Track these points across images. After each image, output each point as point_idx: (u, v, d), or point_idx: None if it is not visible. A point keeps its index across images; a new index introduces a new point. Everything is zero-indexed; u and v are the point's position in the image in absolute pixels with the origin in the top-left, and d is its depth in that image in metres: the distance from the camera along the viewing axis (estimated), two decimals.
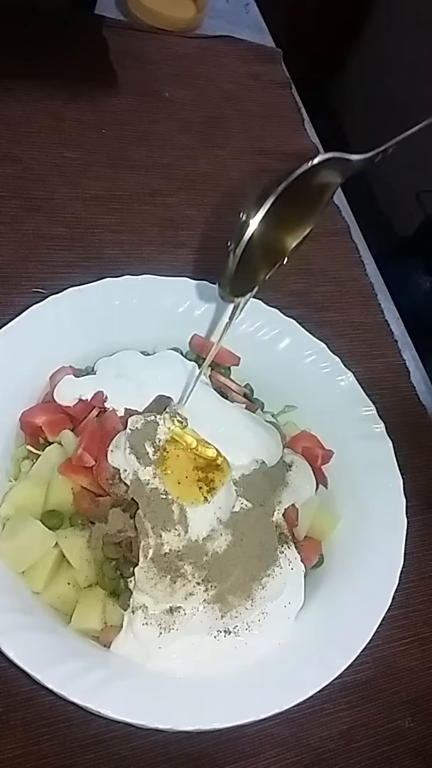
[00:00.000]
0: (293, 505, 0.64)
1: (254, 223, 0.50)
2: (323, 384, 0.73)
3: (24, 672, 0.51)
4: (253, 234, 0.50)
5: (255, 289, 0.57)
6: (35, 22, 0.98)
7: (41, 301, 0.67)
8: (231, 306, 0.60)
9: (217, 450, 0.62)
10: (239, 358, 0.74)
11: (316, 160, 0.51)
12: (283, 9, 1.49)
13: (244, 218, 0.50)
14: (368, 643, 0.58)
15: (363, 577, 0.62)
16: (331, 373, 0.73)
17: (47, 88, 0.93)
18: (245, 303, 0.59)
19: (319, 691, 0.55)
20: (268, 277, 0.57)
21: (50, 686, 0.50)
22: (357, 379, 0.73)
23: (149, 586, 0.56)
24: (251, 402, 0.72)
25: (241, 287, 0.56)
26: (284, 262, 0.56)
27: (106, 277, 0.71)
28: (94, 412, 0.64)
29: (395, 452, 0.69)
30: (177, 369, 0.68)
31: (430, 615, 0.71)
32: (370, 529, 0.65)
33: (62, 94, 0.94)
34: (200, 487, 0.59)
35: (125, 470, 0.59)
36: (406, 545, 0.63)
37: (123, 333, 0.71)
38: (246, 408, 0.69)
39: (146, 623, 0.56)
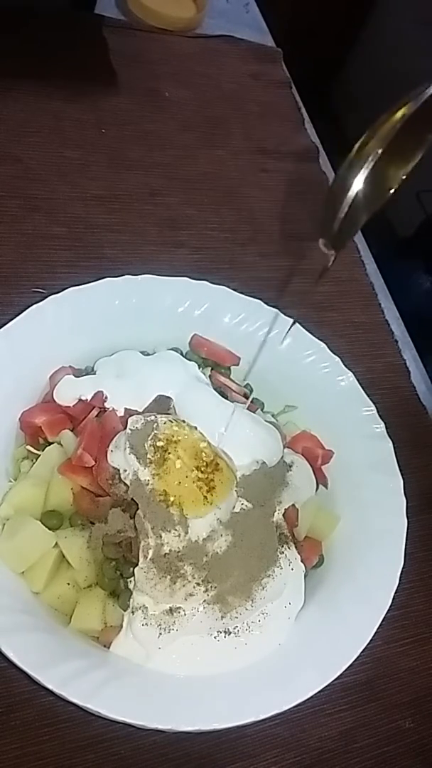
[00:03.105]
0: (293, 505, 0.64)
1: (358, 183, 0.47)
2: (323, 384, 0.73)
3: (24, 672, 0.51)
4: (357, 192, 0.47)
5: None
6: (35, 21, 0.98)
7: (41, 301, 0.67)
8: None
9: (220, 455, 0.62)
10: (239, 358, 0.74)
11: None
12: (283, 9, 1.48)
13: (345, 170, 0.47)
14: (368, 644, 0.58)
15: (363, 577, 0.62)
16: (331, 373, 0.73)
17: (47, 88, 0.93)
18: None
19: (319, 692, 0.55)
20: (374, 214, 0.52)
21: (50, 686, 0.50)
22: (357, 379, 0.73)
23: (149, 587, 0.56)
24: (251, 402, 0.72)
25: (344, 237, 0.53)
26: (393, 194, 0.51)
27: (106, 277, 0.70)
28: (94, 412, 0.64)
29: (395, 452, 0.69)
30: (177, 369, 0.68)
31: (430, 615, 0.71)
32: (370, 529, 0.65)
33: (62, 94, 0.94)
34: (200, 487, 0.59)
35: (125, 470, 0.59)
36: (406, 545, 0.63)
37: (123, 333, 0.71)
38: (246, 408, 0.69)
39: (146, 624, 0.56)
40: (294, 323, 0.68)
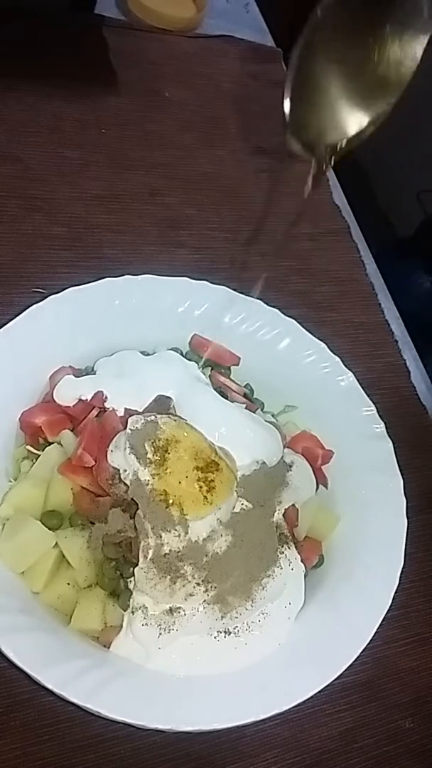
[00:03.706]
0: (293, 505, 0.64)
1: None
2: (323, 384, 0.73)
3: (24, 672, 0.51)
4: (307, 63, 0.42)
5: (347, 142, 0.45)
6: (35, 21, 0.98)
7: (41, 301, 0.67)
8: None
9: (221, 455, 0.62)
10: (239, 358, 0.74)
11: None
12: (283, 9, 1.48)
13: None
14: (368, 644, 0.58)
15: (363, 577, 0.62)
16: (331, 373, 0.73)
17: (47, 88, 0.93)
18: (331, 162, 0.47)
19: (319, 692, 0.55)
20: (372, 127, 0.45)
21: (50, 686, 0.50)
22: (357, 379, 0.73)
23: (149, 587, 0.56)
24: (251, 402, 0.72)
25: (314, 127, 0.47)
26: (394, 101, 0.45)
27: (106, 277, 0.70)
28: (94, 412, 0.64)
29: (395, 452, 0.68)
30: (177, 369, 0.68)
31: (430, 615, 0.71)
32: (370, 529, 0.65)
33: (62, 94, 0.94)
34: (200, 488, 0.59)
35: (125, 470, 0.59)
36: (406, 545, 0.63)
37: (123, 333, 0.71)
38: (246, 408, 0.69)
39: (146, 624, 0.56)
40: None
